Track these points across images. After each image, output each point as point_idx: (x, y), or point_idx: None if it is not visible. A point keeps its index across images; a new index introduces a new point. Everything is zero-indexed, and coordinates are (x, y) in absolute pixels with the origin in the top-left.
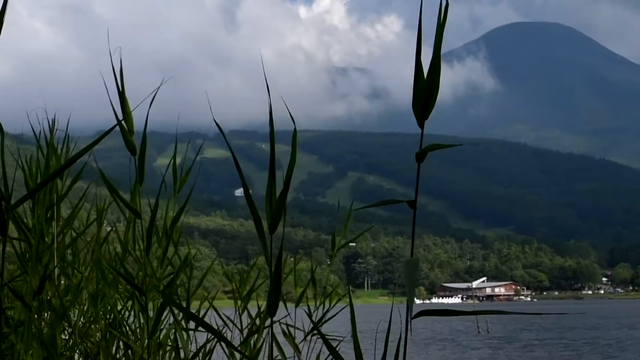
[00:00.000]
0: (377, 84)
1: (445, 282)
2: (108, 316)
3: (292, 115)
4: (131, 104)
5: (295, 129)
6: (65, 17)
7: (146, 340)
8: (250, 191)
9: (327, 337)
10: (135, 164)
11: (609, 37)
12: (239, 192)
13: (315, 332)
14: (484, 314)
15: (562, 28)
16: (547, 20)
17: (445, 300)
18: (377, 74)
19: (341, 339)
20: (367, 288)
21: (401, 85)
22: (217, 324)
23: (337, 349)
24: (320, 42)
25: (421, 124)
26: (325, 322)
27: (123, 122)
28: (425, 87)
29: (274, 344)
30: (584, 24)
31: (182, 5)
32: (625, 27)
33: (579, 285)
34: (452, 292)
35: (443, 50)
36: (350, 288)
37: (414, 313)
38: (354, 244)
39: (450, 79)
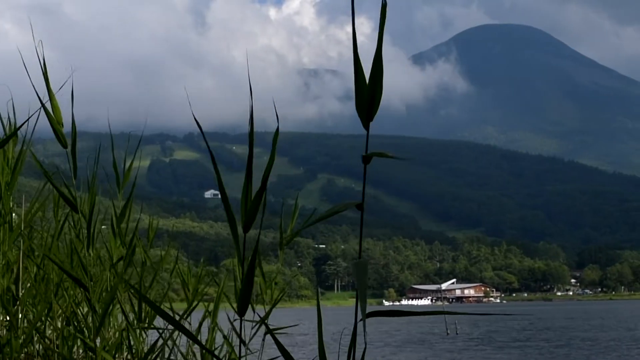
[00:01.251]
0: (349, 86)
1: (415, 284)
2: (64, 313)
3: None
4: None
5: (277, 128)
6: (35, 18)
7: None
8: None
9: (274, 330)
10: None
11: (578, 40)
12: (209, 194)
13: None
14: (430, 314)
15: (531, 30)
16: (517, 22)
17: (415, 302)
18: (348, 76)
19: (285, 332)
20: (337, 290)
21: None
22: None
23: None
24: (291, 44)
25: (366, 126)
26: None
27: (55, 118)
28: (368, 90)
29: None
30: (553, 27)
31: (151, 6)
32: (594, 30)
33: (548, 286)
34: (421, 294)
35: (413, 52)
36: (320, 290)
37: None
38: (323, 246)
39: (422, 81)
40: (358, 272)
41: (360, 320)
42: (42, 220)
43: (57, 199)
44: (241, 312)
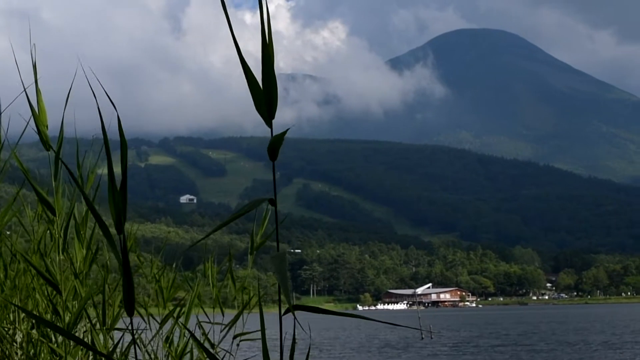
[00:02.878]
0: (327, 91)
1: (390, 289)
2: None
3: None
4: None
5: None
6: (12, 22)
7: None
8: (195, 198)
9: (242, 335)
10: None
11: (553, 44)
12: (184, 198)
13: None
14: (354, 317)
15: (507, 35)
16: (492, 26)
17: (390, 307)
18: (325, 80)
19: (252, 338)
20: (313, 295)
21: (351, 91)
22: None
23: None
24: None
25: (269, 124)
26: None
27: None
28: (264, 94)
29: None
30: (528, 31)
31: (128, 11)
32: (569, 34)
33: (524, 291)
34: (397, 299)
35: (389, 56)
36: (297, 295)
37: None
38: (299, 251)
39: (400, 86)
40: (277, 265)
41: (284, 314)
42: (16, 225)
43: (37, 203)
44: (129, 311)
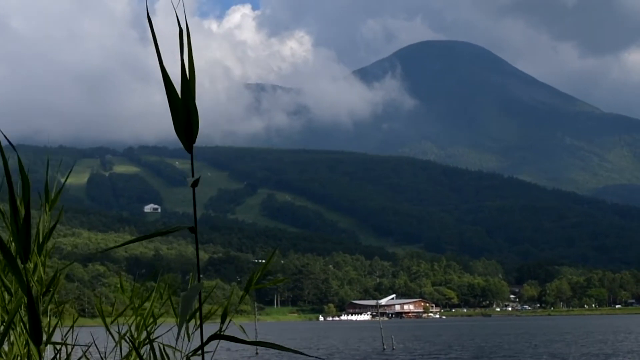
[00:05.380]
0: (296, 101)
1: (354, 299)
2: None
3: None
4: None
5: None
6: None
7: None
8: (159, 207)
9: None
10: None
11: (518, 56)
12: (148, 208)
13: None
14: (263, 345)
15: (472, 47)
16: (459, 37)
17: (354, 317)
18: (295, 91)
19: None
20: (277, 305)
21: (320, 102)
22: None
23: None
24: (235, 59)
25: (189, 149)
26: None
27: None
28: (184, 113)
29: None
30: (493, 43)
31: (97, 19)
32: (534, 46)
33: (487, 302)
34: (361, 309)
35: (356, 66)
36: (260, 305)
37: (205, 338)
38: (263, 261)
39: (369, 97)
40: (183, 302)
41: (207, 342)
42: None
43: None
44: (35, 341)
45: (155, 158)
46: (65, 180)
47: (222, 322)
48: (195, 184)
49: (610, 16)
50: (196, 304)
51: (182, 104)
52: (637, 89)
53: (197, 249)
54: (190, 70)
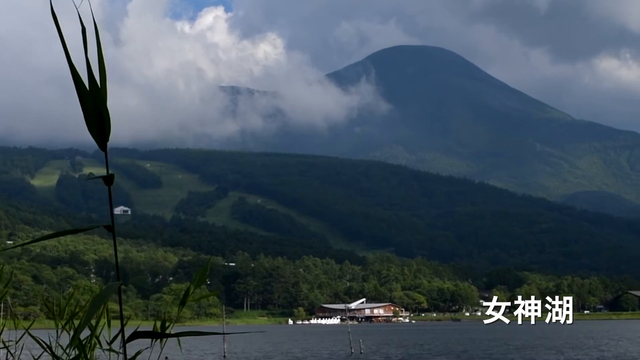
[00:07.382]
0: (271, 104)
1: (324, 303)
2: None
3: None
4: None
5: None
6: None
7: None
8: (130, 210)
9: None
10: None
11: (490, 62)
12: (119, 210)
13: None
14: (183, 335)
15: (445, 52)
16: (432, 42)
17: (324, 321)
18: (269, 94)
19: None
20: (247, 308)
21: (295, 105)
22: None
23: None
24: (208, 61)
25: (103, 147)
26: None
27: None
28: (94, 112)
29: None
30: (465, 48)
31: (69, 19)
32: (505, 52)
33: (457, 307)
34: (331, 313)
35: (329, 70)
36: (230, 308)
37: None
38: (233, 264)
39: (343, 101)
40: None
41: (128, 341)
42: None
43: None
44: None
45: (125, 160)
46: None
47: (162, 326)
48: (110, 181)
49: (582, 23)
50: (116, 305)
51: (92, 103)
52: (608, 96)
53: (115, 247)
54: (101, 69)
